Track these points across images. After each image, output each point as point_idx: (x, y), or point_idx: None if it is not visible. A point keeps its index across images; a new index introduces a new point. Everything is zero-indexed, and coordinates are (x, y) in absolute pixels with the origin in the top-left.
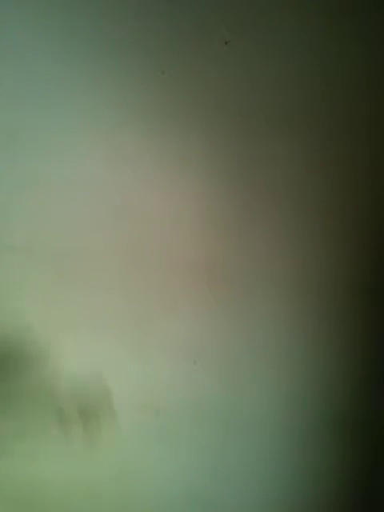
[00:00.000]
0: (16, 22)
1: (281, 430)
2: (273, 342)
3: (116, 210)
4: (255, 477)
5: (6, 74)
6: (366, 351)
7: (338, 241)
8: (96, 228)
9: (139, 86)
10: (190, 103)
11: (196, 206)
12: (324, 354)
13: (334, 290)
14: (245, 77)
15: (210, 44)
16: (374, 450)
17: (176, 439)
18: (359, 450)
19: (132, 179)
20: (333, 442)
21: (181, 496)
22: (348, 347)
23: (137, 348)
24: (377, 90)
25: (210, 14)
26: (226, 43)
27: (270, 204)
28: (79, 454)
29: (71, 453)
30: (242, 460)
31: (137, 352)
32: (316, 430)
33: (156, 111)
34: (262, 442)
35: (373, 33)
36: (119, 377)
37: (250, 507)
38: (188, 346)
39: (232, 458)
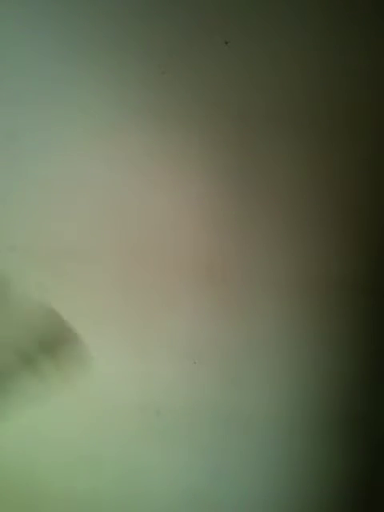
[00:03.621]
0: (16, 20)
1: (282, 430)
2: (274, 342)
3: (116, 209)
4: (256, 476)
5: (6, 73)
6: (366, 351)
7: (338, 240)
8: (96, 228)
9: (139, 86)
10: (191, 103)
11: (196, 205)
12: (325, 353)
13: (335, 290)
14: (245, 77)
15: (210, 44)
16: (376, 449)
17: (176, 439)
18: (361, 450)
19: (132, 178)
20: (334, 441)
21: (182, 496)
22: (349, 346)
23: (137, 348)
24: (377, 90)
25: (210, 14)
26: (226, 43)
27: (270, 203)
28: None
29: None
30: (243, 460)
31: (137, 352)
32: (317, 430)
33: (156, 111)
34: (263, 442)
35: (373, 32)
36: (119, 377)
37: (251, 507)
38: (188, 345)
39: (233, 457)
